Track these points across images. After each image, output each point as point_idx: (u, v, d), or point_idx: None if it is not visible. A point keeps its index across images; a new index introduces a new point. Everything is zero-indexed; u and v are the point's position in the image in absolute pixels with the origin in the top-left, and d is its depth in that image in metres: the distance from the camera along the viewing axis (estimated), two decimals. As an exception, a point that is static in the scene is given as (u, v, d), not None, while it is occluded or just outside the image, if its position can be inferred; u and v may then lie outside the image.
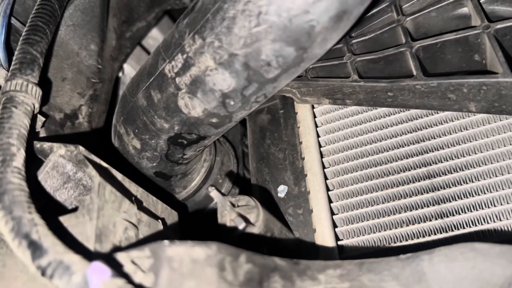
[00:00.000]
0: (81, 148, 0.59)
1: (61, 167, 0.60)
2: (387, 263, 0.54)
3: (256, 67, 0.59)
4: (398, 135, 0.80)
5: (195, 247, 0.47)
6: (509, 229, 0.66)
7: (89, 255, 0.44)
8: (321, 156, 0.84)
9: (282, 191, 0.84)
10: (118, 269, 0.43)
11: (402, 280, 0.52)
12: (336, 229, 0.77)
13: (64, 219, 0.53)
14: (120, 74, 1.07)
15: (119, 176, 0.63)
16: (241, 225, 0.61)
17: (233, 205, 0.64)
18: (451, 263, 0.52)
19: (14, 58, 0.64)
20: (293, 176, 0.84)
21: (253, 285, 0.48)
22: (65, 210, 0.58)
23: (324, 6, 0.52)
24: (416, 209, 0.73)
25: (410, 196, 0.75)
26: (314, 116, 0.88)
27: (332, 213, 0.79)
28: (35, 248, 0.44)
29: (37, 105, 0.62)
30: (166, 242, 0.46)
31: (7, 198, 0.48)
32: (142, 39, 1.08)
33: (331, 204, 0.79)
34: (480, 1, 0.72)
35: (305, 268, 0.53)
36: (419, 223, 0.72)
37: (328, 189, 0.81)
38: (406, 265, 0.53)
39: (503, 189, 0.69)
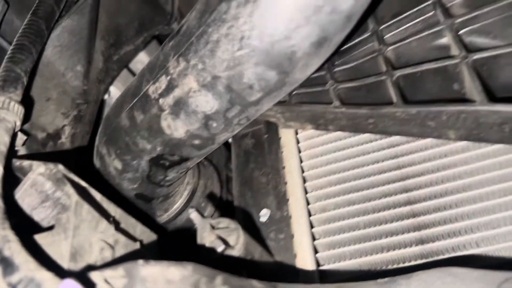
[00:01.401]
0: (60, 166, 0.59)
1: (40, 186, 0.60)
2: (365, 287, 0.54)
3: (239, 90, 0.59)
4: (379, 161, 0.80)
5: (170, 268, 0.46)
6: (488, 256, 0.67)
7: (62, 273, 0.44)
8: (304, 181, 0.84)
9: (264, 215, 0.84)
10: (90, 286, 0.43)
11: (380, 304, 0.52)
12: (317, 255, 0.76)
13: (40, 238, 0.52)
14: (106, 96, 1.07)
15: (97, 196, 0.63)
16: (220, 248, 0.60)
17: (213, 227, 0.64)
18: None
19: (-3, 75, 0.64)
20: (276, 201, 0.84)
21: (229, 307, 0.48)
22: (42, 229, 0.58)
23: (305, 33, 0.53)
24: (397, 235, 0.73)
25: (391, 222, 0.75)
26: (298, 141, 0.89)
27: (314, 239, 0.78)
28: (7, 265, 0.43)
29: (18, 123, 0.62)
30: (140, 261, 0.46)
31: (-19, 214, 0.47)
32: (129, 63, 1.09)
33: (313, 229, 0.79)
34: (459, 33, 0.74)
35: (283, 291, 0.53)
36: (399, 249, 0.72)
37: (310, 214, 0.81)
38: (384, 291, 0.53)
39: (482, 216, 0.70)
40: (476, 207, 0.70)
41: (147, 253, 0.62)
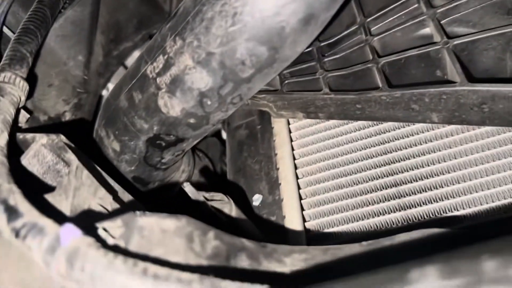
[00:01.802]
0: (62, 136, 0.62)
1: (42, 156, 0.63)
2: (350, 249, 0.57)
3: (232, 66, 0.63)
4: (367, 148, 0.84)
5: (165, 219, 0.49)
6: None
7: (63, 221, 0.46)
8: (295, 167, 0.88)
9: (257, 199, 0.86)
10: (89, 233, 0.45)
11: (364, 264, 0.55)
12: (308, 235, 0.79)
13: (42, 199, 0.55)
14: (105, 92, 1.11)
15: (97, 168, 0.66)
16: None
17: (207, 200, 0.67)
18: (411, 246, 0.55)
19: (5, 55, 0.68)
20: (268, 186, 0.87)
21: (220, 260, 0.50)
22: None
23: (292, 9, 0.57)
24: (383, 214, 0.76)
25: (378, 203, 0.78)
26: (290, 131, 0.93)
27: (304, 220, 0.81)
28: (11, 212, 0.46)
29: (23, 98, 0.65)
30: (138, 212, 0.49)
31: (-13, 169, 0.50)
32: (125, 60, 1.13)
33: (304, 212, 0.82)
34: (441, 22, 0.79)
35: (272, 251, 0.56)
36: (385, 227, 0.75)
37: (300, 198, 0.84)
38: (368, 251, 0.56)
39: (465, 195, 0.73)
40: (459, 187, 0.74)
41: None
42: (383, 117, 0.80)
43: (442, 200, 0.74)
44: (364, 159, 0.83)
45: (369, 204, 0.79)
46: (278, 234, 0.79)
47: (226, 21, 0.59)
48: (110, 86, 1.14)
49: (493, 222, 0.67)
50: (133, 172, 0.82)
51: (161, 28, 0.70)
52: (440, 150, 0.78)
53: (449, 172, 0.76)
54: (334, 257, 0.56)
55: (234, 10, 0.59)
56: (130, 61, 1.17)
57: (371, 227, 0.76)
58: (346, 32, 0.89)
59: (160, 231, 0.48)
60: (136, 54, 1.17)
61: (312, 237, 0.79)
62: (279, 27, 0.59)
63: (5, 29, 0.84)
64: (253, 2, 0.57)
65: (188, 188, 0.66)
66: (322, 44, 0.91)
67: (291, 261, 0.55)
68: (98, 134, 0.82)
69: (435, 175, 0.76)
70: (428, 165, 0.78)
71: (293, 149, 0.90)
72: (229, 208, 0.67)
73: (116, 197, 0.64)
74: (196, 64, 0.64)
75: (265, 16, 0.58)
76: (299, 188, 0.85)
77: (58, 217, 0.50)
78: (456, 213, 0.72)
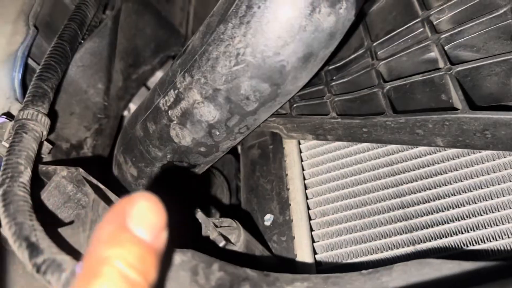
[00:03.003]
0: (81, 170, 0.67)
1: (63, 187, 0.68)
2: (350, 277, 0.59)
3: (237, 101, 0.67)
4: (375, 169, 0.86)
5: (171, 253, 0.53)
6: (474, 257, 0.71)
7: (79, 257, 0.51)
8: (305, 187, 0.90)
9: (268, 219, 0.90)
10: (102, 269, 0.49)
11: (363, 293, 0.57)
12: (316, 256, 0.82)
13: (62, 230, 0.60)
14: (126, 112, 1.16)
15: (113, 197, 0.70)
16: (221, 243, 0.67)
17: (216, 226, 0.71)
18: (408, 277, 0.57)
19: (28, 91, 0.73)
20: (279, 206, 0.90)
21: (224, 290, 0.54)
22: (64, 224, 0.65)
23: (292, 49, 0.60)
24: (390, 236, 0.78)
25: (385, 225, 0.80)
26: (300, 151, 0.95)
27: (313, 241, 0.84)
28: (33, 249, 0.51)
29: (45, 133, 0.70)
30: (146, 248, 0.53)
31: (12, 207, 0.55)
32: (147, 81, 1.18)
33: (312, 232, 0.85)
34: (445, 47, 0.80)
35: (274, 280, 0.59)
36: (392, 249, 0.77)
37: (310, 218, 0.86)
38: (367, 280, 0.58)
39: (470, 217, 0.74)
40: (464, 210, 0.75)
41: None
42: (389, 140, 0.82)
43: (448, 223, 0.75)
44: (372, 180, 0.85)
45: (376, 225, 0.81)
46: (288, 256, 0.82)
47: (230, 61, 0.63)
48: (132, 106, 1.19)
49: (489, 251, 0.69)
50: (150, 195, 0.86)
51: (172, 63, 0.75)
52: (446, 173, 0.79)
53: (454, 195, 0.77)
54: (335, 285, 0.59)
55: (237, 51, 0.62)
56: (154, 80, 1.22)
57: (378, 249, 0.78)
58: (353, 56, 0.91)
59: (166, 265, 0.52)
60: (159, 74, 1.22)
61: (320, 259, 0.81)
62: (280, 65, 0.62)
63: (30, 61, 0.89)
64: (255, 44, 0.61)
65: (199, 215, 0.70)
66: (331, 67, 0.93)
67: (293, 289, 0.58)
68: (117, 159, 0.87)
69: (441, 197, 0.78)
70: (434, 188, 0.79)
71: (303, 169, 0.93)
72: (237, 233, 0.70)
73: (131, 226, 0.68)
74: (204, 99, 0.68)
75: (266, 56, 0.61)
76: (308, 208, 0.88)
77: (75, 252, 0.54)
78: (460, 236, 0.73)
